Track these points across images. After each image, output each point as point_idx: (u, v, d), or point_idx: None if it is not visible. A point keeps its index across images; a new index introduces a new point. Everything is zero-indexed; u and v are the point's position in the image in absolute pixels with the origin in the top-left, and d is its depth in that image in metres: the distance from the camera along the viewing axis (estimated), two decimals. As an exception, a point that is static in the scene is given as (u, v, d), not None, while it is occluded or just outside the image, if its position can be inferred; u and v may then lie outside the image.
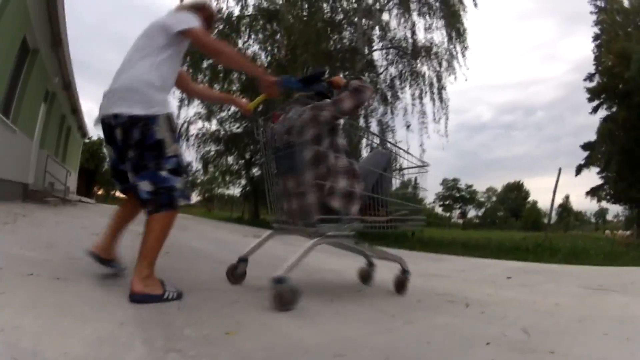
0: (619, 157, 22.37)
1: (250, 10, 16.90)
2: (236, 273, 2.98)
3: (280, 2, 16.72)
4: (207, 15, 2.79)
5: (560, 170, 11.66)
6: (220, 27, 16.62)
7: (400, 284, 3.15)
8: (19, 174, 10.28)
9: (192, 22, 2.48)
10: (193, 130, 21.34)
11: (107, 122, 2.38)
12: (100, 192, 48.48)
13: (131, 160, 2.33)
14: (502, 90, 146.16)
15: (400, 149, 3.49)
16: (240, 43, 17.69)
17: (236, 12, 16.80)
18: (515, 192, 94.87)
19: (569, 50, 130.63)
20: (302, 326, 2.07)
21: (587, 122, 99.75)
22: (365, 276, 3.57)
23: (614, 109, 23.75)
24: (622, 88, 21.05)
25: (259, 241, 3.01)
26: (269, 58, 17.99)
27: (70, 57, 12.91)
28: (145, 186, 2.29)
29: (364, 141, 11.13)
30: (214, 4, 16.39)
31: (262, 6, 16.90)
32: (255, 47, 18.29)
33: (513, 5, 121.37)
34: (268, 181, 3.05)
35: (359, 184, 2.79)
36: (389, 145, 4.22)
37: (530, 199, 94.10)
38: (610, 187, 25.97)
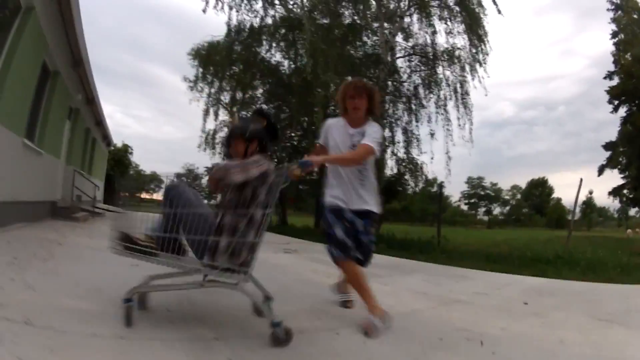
0: (638, 162, 22.18)
1: (270, 20, 17.51)
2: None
3: (300, 11, 17.20)
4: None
5: (581, 180, 12.01)
6: (243, 38, 17.29)
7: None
8: (47, 193, 10.76)
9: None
10: (219, 138, 22.02)
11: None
12: (126, 194, 49.63)
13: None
14: (522, 86, 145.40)
15: None
16: (263, 51, 18.39)
17: (256, 22, 17.46)
18: (540, 189, 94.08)
19: (587, 45, 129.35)
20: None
21: (608, 118, 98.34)
22: None
23: (634, 109, 23.55)
24: None
25: None
26: (292, 66, 18.66)
27: (92, 74, 13.35)
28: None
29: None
30: (234, 17, 17.12)
31: (283, 16, 17.43)
32: (278, 56, 18.94)
33: (528, 0, 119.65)
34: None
35: None
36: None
37: (555, 195, 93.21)
38: (629, 191, 25.76)
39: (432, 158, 16.54)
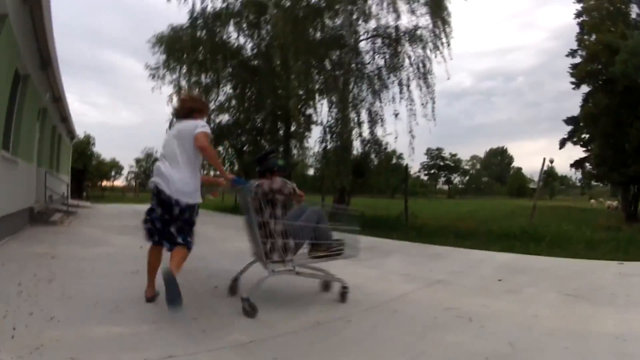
0: (601, 140, 23.39)
1: (232, 4, 18.22)
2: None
3: None
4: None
5: (544, 160, 13.10)
6: (207, 22, 18.16)
7: (342, 296, 4.65)
8: (24, 201, 10.64)
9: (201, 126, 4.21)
10: None
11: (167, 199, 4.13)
12: (90, 185, 49.87)
13: (177, 225, 4.15)
14: (481, 58, 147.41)
15: None
16: (224, 36, 19.06)
17: (219, 6, 18.24)
18: (499, 158, 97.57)
19: (547, 18, 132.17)
20: (345, 354, 3.25)
21: (568, 89, 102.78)
22: (326, 287, 5.06)
23: (594, 92, 24.56)
24: (606, 76, 21.47)
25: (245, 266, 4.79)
26: (254, 50, 19.61)
27: (60, 73, 13.18)
28: (180, 239, 4.11)
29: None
30: (198, 4, 18.02)
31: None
32: (241, 40, 19.48)
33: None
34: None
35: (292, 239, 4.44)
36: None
37: (515, 164, 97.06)
38: (592, 167, 27.03)
39: (396, 138, 17.24)
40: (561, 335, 3.66)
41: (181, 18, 19.59)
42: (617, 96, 21.14)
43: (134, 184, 67.69)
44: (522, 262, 7.50)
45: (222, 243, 9.16)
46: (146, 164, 67.90)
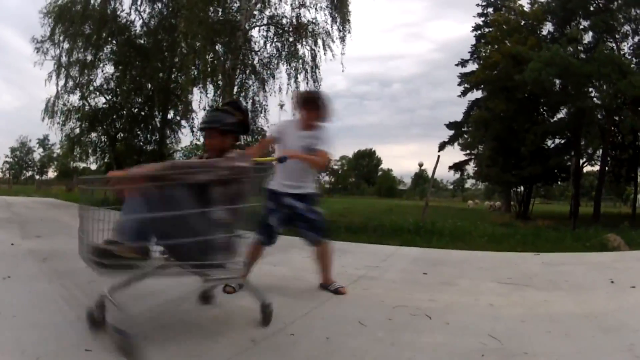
0: (493, 144, 25.46)
1: None
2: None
3: None
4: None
5: (438, 157, 13.69)
6: None
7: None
8: None
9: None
10: (60, 106, 21.23)
11: None
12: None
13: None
14: (359, 62, 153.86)
15: None
16: (118, 8, 19.18)
17: None
18: (367, 159, 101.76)
19: (436, 31, 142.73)
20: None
21: (445, 98, 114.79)
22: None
23: (488, 98, 26.92)
24: (508, 84, 23.58)
25: None
26: (144, 28, 19.78)
27: None
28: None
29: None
30: None
31: None
32: (132, 16, 19.57)
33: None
34: None
35: None
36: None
37: (384, 166, 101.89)
38: (481, 170, 29.25)
39: (279, 129, 17.34)
40: (533, 321, 3.60)
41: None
42: (515, 103, 23.10)
43: (8, 175, 62.77)
44: (435, 255, 7.51)
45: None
46: (20, 154, 62.62)
